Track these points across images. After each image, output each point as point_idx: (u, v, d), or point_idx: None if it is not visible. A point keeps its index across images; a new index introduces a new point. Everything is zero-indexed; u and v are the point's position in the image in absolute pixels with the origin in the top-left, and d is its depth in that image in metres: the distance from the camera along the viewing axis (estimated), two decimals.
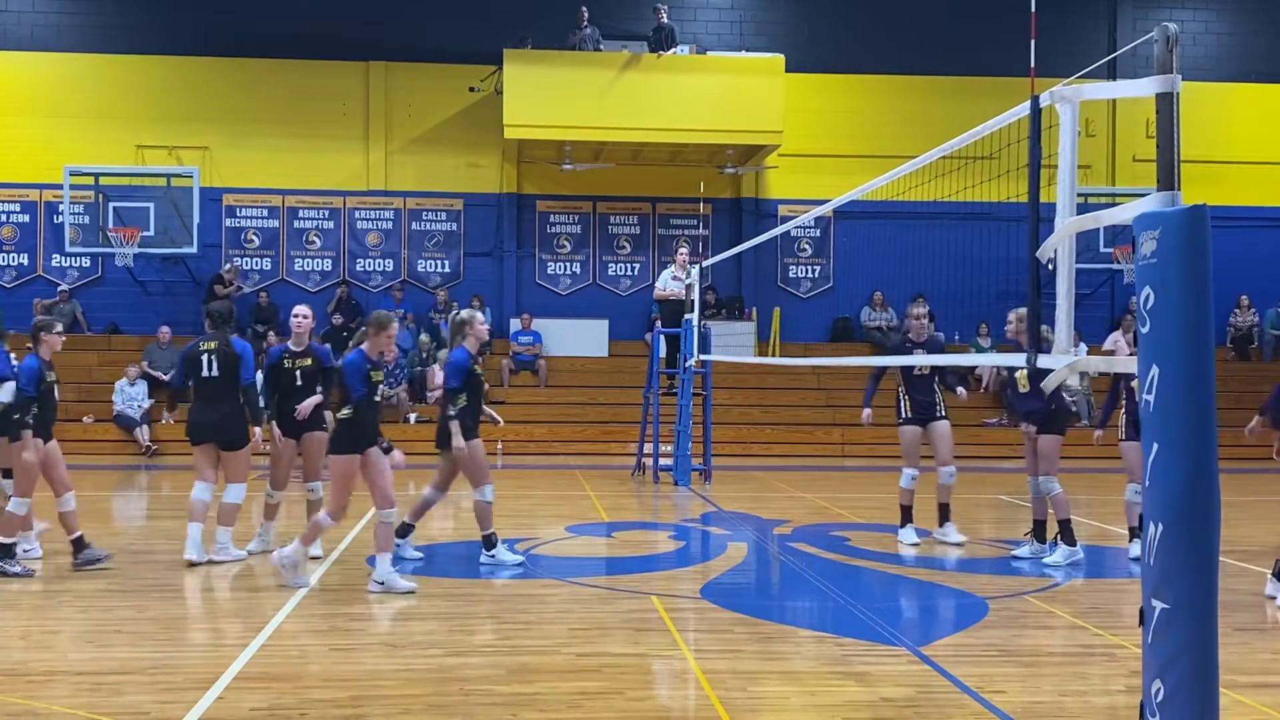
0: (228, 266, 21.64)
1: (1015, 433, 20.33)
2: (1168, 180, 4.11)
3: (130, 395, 19.16)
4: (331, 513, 7.99)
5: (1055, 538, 9.35)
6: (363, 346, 8.03)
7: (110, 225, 20.39)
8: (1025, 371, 9.00)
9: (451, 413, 8.76)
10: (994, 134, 6.07)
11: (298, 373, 9.17)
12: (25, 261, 22.04)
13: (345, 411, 7.89)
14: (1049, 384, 5.13)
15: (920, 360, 9.93)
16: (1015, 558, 9.65)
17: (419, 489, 14.48)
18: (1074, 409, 6.31)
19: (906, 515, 10.36)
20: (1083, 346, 18.41)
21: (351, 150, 22.41)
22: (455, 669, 6.01)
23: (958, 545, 10.16)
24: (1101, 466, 14.71)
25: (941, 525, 10.40)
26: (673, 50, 20.76)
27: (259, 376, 9.52)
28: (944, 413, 10.40)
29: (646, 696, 5.64)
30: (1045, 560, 9.27)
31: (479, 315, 9.10)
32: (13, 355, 8.87)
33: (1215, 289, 4.01)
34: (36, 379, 8.53)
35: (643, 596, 7.96)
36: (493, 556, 9.06)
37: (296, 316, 8.81)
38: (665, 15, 20.94)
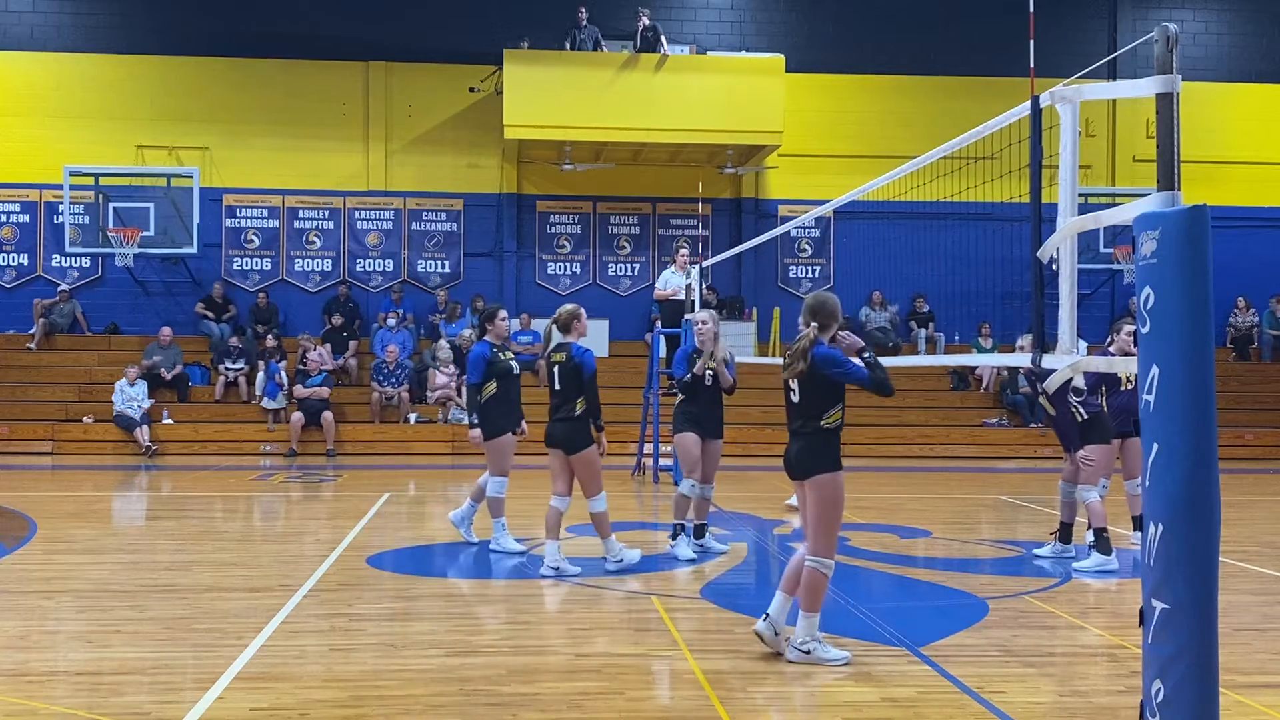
0: (215, 286, 21.69)
1: (1015, 433, 20.45)
2: (1168, 180, 4.12)
3: (130, 395, 19.15)
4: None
5: (1089, 545, 9.26)
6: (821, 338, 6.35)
7: (110, 225, 20.40)
8: (1046, 398, 9.19)
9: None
10: (994, 134, 6.07)
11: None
12: (25, 261, 22.05)
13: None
14: (1051, 384, 5.12)
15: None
16: (1037, 557, 9.65)
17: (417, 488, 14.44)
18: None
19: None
20: (1083, 345, 18.41)
21: (351, 150, 22.41)
22: (455, 669, 6.01)
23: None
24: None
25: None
26: (662, 50, 20.73)
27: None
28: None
29: (646, 696, 5.64)
30: (1075, 565, 9.19)
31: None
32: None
33: (1215, 289, 4.01)
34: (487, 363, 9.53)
35: (643, 596, 7.96)
36: (672, 547, 9.42)
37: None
38: (647, 18, 20.94)
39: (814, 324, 6.34)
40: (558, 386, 8.85)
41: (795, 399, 6.33)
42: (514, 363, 9.86)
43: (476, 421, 9.66)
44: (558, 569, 8.67)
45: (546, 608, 7.56)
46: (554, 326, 8.92)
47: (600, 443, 9.08)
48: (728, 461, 17.66)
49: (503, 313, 9.87)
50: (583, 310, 8.97)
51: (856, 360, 6.26)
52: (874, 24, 23.01)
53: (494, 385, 9.62)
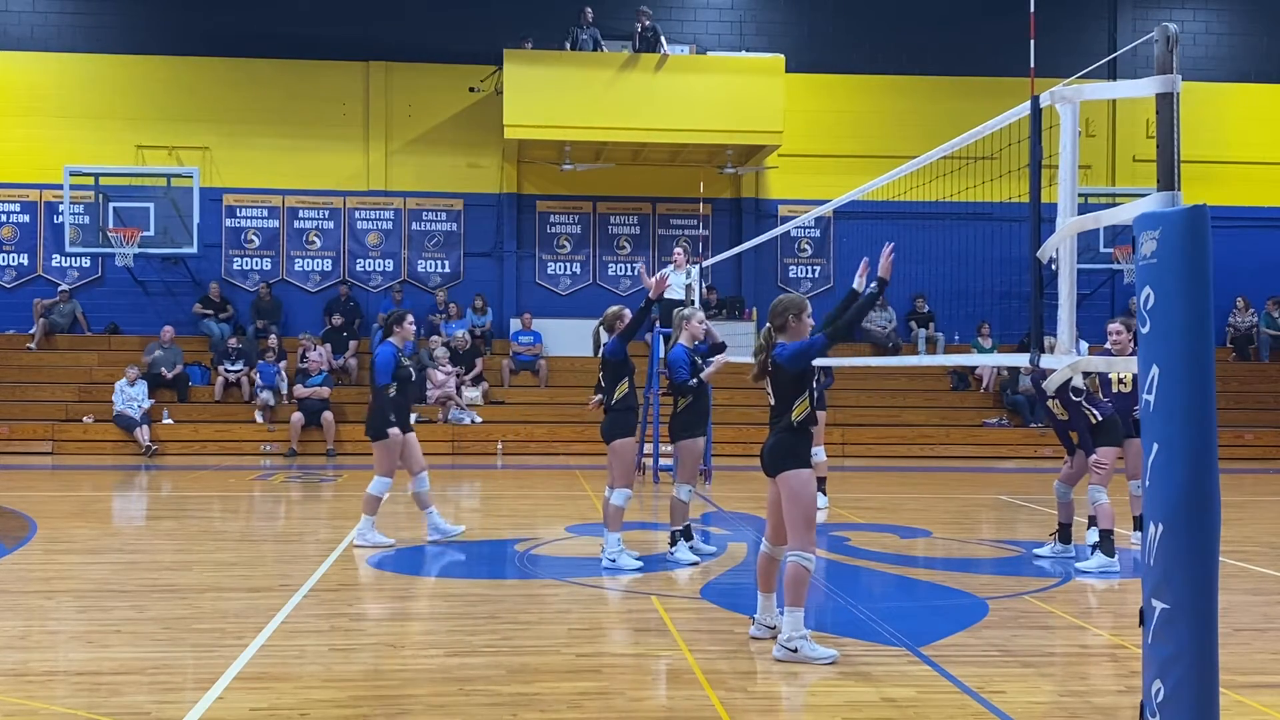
0: (212, 286, 21.71)
1: (1015, 433, 20.45)
2: (1168, 180, 4.12)
3: (130, 395, 19.15)
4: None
5: (1093, 546, 9.23)
6: None
7: (110, 225, 20.39)
8: (1058, 401, 9.17)
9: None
10: (994, 134, 6.07)
11: None
12: (25, 261, 22.04)
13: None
14: (1051, 384, 5.12)
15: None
16: (1037, 557, 9.65)
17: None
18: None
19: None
20: (1083, 345, 18.40)
21: (351, 150, 22.41)
22: (455, 669, 6.01)
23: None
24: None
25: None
26: (661, 50, 20.72)
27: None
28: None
29: (646, 696, 5.64)
30: (1079, 565, 9.16)
31: (699, 312, 9.73)
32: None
33: (1215, 289, 4.01)
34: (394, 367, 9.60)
35: (643, 596, 7.96)
36: (672, 553, 9.28)
37: None
38: (647, 18, 20.93)
39: (768, 325, 6.59)
40: (602, 384, 9.18)
41: (771, 399, 6.55)
42: (411, 369, 10.08)
43: (395, 420, 9.78)
44: (614, 560, 8.83)
45: (546, 608, 7.56)
46: (601, 328, 9.19)
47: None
48: (728, 462, 17.72)
49: (410, 317, 9.99)
50: (626, 310, 9.20)
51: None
52: (874, 24, 23.01)
53: (393, 389, 9.73)
